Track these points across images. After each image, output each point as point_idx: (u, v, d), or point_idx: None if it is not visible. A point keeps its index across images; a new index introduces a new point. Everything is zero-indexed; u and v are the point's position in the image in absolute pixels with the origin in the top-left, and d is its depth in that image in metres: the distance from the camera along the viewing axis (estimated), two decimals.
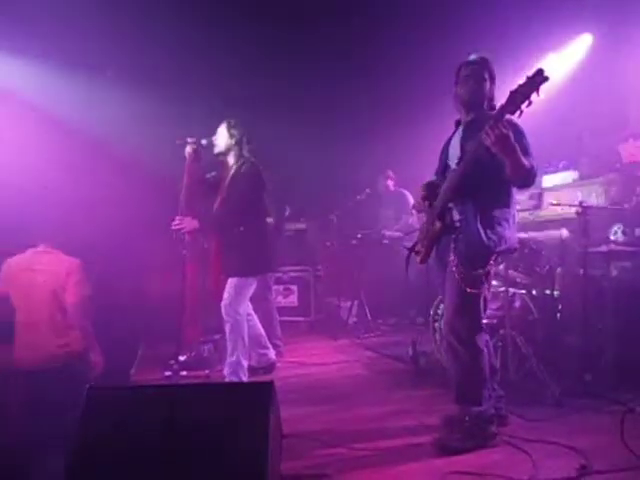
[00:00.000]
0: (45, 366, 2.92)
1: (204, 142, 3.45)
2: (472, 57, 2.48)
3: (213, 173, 3.56)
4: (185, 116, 4.70)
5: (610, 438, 2.28)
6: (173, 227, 3.26)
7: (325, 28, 4.92)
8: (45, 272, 3.07)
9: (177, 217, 3.27)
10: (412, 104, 5.58)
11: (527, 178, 2.25)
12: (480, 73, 2.43)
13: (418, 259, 2.61)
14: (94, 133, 4.82)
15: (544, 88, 2.02)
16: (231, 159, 3.44)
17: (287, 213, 4.89)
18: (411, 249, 2.69)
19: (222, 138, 3.43)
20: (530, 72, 2.04)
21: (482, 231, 2.32)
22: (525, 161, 2.19)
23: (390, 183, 5.75)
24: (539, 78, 2.02)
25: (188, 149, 3.43)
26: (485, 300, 2.43)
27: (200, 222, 3.26)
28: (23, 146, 4.30)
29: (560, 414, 2.66)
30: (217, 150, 3.45)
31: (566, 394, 2.82)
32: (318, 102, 5.63)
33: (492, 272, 2.41)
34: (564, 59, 5.35)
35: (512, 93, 2.07)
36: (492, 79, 2.45)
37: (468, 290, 2.33)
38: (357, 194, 5.39)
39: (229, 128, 3.42)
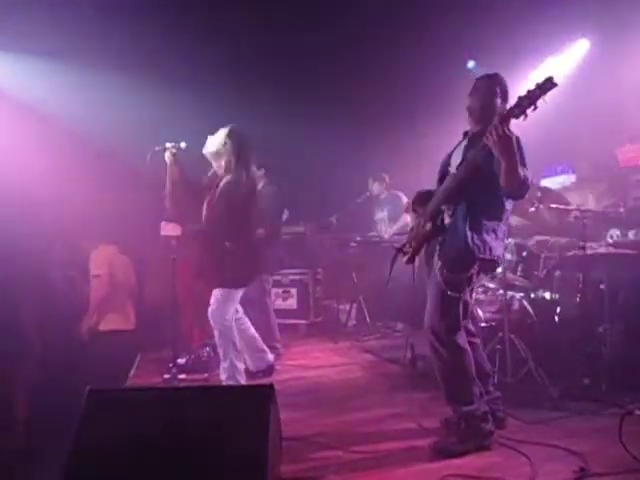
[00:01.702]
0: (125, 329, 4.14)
1: (183, 145, 3.39)
2: (486, 72, 2.53)
3: (209, 174, 3.50)
4: (184, 117, 4.71)
5: (608, 441, 2.29)
6: (161, 233, 3.30)
7: (327, 30, 4.94)
8: (129, 259, 4.34)
9: (162, 223, 3.29)
10: (412, 106, 5.61)
11: (521, 188, 2.27)
12: (491, 87, 2.46)
13: (404, 259, 2.64)
14: (90, 134, 4.83)
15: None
16: (222, 168, 3.36)
17: (286, 216, 4.89)
18: (399, 249, 2.71)
19: (217, 140, 3.35)
20: (540, 79, 2.07)
21: (469, 235, 2.34)
22: (521, 170, 2.22)
23: (385, 186, 5.73)
24: (548, 85, 2.05)
25: (168, 154, 3.38)
26: (466, 304, 2.45)
27: (183, 229, 3.29)
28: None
29: (558, 417, 2.67)
30: (205, 150, 3.38)
31: (564, 397, 2.83)
32: (318, 105, 5.65)
33: (474, 277, 2.42)
34: (561, 64, 5.39)
35: (520, 98, 2.10)
36: (504, 95, 2.48)
37: (449, 293, 2.35)
38: (356, 197, 5.40)
39: (229, 134, 3.32)
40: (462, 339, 2.42)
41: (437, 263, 2.41)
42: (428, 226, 2.49)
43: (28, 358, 3.53)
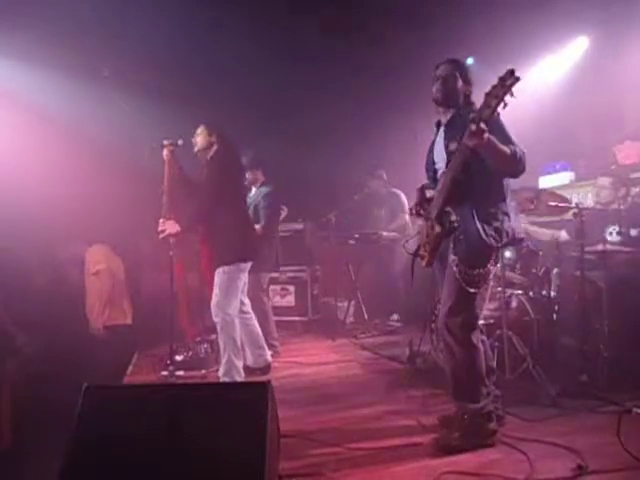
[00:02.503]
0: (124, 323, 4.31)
1: (180, 142, 3.43)
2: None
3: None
4: (180, 118, 4.69)
5: (607, 438, 2.29)
6: (159, 231, 3.30)
7: (326, 27, 4.93)
8: (119, 258, 4.49)
9: (160, 221, 3.29)
10: (411, 105, 5.59)
11: (515, 166, 2.26)
12: (450, 72, 2.46)
13: (423, 263, 2.60)
14: (87, 134, 4.81)
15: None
16: (209, 154, 3.46)
17: (284, 214, 4.88)
18: (415, 253, 2.68)
19: (201, 137, 3.43)
20: (501, 73, 2.02)
21: (481, 229, 2.32)
22: (508, 150, 2.21)
23: (382, 183, 5.72)
24: (510, 79, 2.01)
25: (165, 152, 3.41)
26: (482, 300, 2.44)
27: (180, 223, 3.28)
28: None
29: (557, 414, 2.67)
30: (196, 148, 3.45)
31: (563, 394, 2.84)
32: (315, 102, 5.63)
33: (492, 271, 2.41)
34: (561, 61, 5.38)
35: (486, 95, 2.07)
36: (464, 77, 2.48)
37: (468, 289, 2.33)
38: (355, 194, 5.39)
39: (208, 127, 3.43)
40: (476, 337, 2.41)
41: (453, 260, 2.38)
42: (437, 229, 2.44)
43: (11, 355, 3.50)
